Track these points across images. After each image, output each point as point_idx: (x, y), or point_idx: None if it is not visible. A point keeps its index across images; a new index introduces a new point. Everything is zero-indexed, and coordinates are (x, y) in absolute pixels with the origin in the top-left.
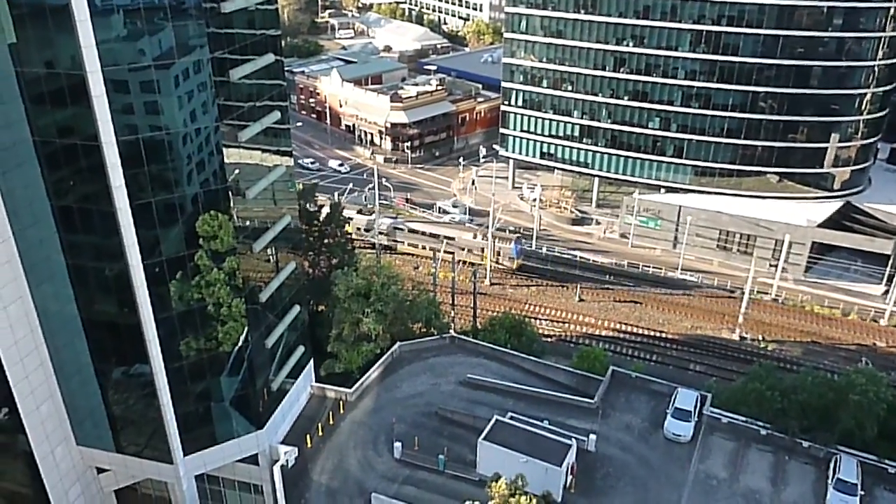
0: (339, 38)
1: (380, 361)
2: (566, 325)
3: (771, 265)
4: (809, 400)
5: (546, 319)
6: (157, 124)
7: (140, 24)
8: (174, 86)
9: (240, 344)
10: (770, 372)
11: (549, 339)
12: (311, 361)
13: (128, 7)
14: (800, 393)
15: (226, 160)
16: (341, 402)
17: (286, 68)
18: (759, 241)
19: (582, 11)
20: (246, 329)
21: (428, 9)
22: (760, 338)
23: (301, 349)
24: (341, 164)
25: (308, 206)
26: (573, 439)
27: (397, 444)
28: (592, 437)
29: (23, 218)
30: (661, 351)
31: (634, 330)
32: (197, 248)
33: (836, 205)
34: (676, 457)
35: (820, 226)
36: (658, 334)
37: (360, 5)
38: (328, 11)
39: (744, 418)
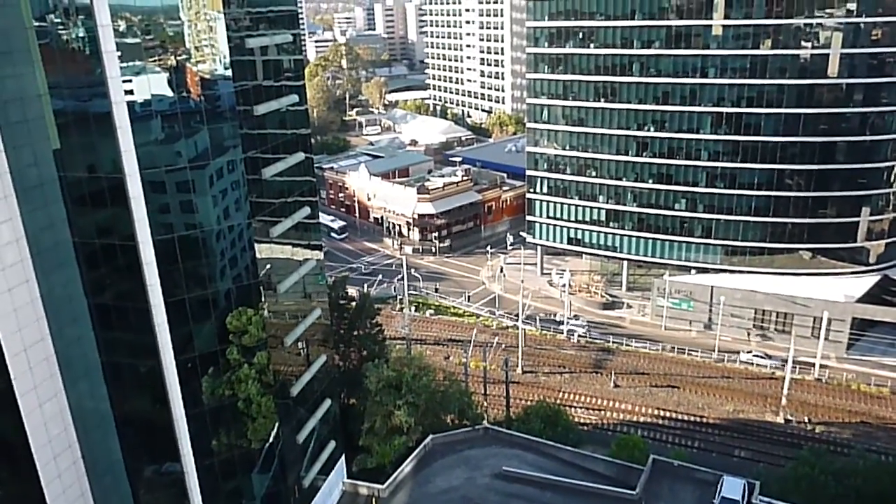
0: (367, 135)
1: (413, 455)
2: (602, 412)
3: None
4: (865, 485)
5: (581, 407)
6: (191, 222)
7: (177, 128)
8: (209, 185)
9: (270, 440)
10: (820, 456)
11: (585, 427)
12: (343, 456)
13: (166, 112)
14: (854, 478)
15: (257, 255)
16: (374, 499)
17: (316, 164)
18: (797, 319)
19: (602, 100)
20: (276, 424)
21: (452, 103)
22: (807, 420)
23: (332, 444)
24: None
25: (338, 298)
26: None
27: None
28: None
29: (61, 317)
30: (703, 437)
31: (673, 415)
32: (228, 343)
33: (873, 278)
34: None
35: (859, 301)
36: (699, 419)
37: (387, 103)
38: (356, 109)
39: None
